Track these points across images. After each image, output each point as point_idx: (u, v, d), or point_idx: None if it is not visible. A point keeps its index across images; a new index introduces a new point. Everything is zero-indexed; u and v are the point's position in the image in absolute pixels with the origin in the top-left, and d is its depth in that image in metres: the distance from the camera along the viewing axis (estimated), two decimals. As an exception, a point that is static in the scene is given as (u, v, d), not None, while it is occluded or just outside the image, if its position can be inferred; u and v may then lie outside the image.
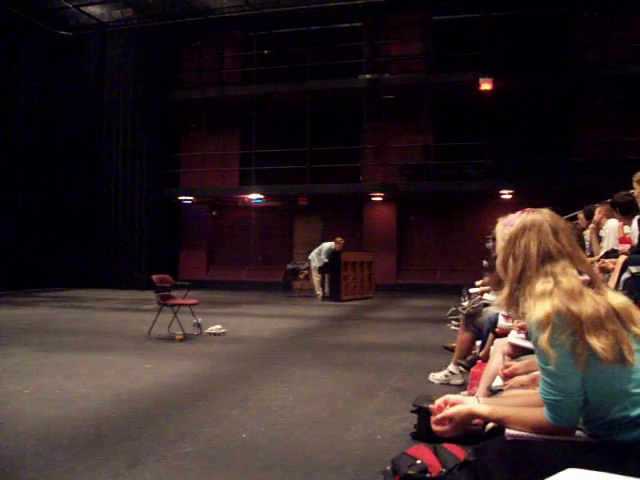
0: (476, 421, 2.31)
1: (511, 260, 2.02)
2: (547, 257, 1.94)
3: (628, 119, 16.57)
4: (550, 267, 1.92)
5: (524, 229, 2.01)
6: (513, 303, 2.01)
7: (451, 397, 2.11)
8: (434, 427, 2.05)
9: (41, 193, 18.71)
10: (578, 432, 1.88)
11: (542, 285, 1.88)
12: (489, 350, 4.51)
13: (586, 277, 1.93)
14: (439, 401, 2.09)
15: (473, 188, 17.74)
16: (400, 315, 12.22)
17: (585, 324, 1.76)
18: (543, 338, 1.76)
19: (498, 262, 2.11)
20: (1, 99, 17.64)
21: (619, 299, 1.88)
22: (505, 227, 2.10)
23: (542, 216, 2.03)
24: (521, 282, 1.96)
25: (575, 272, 1.93)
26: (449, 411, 2.01)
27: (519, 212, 2.11)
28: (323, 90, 18.70)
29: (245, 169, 20.31)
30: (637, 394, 1.75)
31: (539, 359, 1.83)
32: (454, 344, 6.02)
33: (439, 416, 2.02)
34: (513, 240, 2.03)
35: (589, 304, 1.81)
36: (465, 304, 6.09)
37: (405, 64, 19.08)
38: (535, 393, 2.12)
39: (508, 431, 1.90)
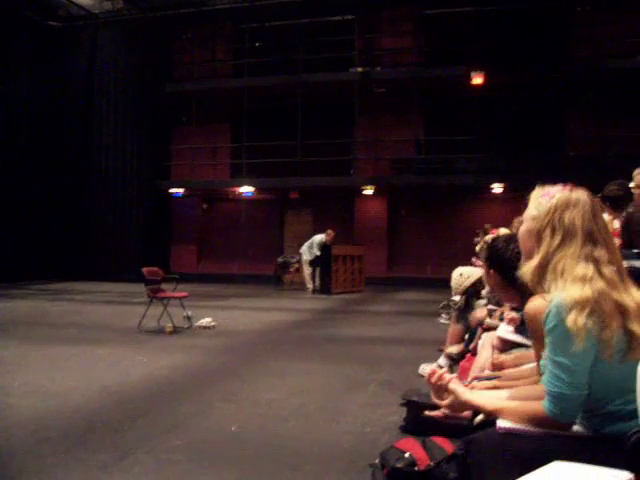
0: (465, 413, 2.34)
1: (549, 231, 1.95)
2: (590, 239, 1.90)
3: (620, 114, 16.62)
4: (591, 250, 1.88)
5: (568, 204, 1.96)
6: (538, 274, 1.95)
7: (446, 374, 2.14)
8: (433, 396, 2.10)
9: (31, 185, 18.55)
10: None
11: (583, 269, 1.84)
12: (477, 344, 4.52)
13: (613, 268, 1.90)
14: (434, 372, 2.13)
15: (464, 182, 17.77)
16: (390, 309, 12.24)
17: (630, 313, 1.77)
18: (578, 319, 1.73)
19: (526, 229, 2.07)
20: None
21: None
22: (543, 197, 2.06)
23: (585, 196, 1.98)
24: (556, 256, 1.91)
25: (607, 259, 1.90)
26: (457, 388, 2.04)
27: (560, 186, 2.05)
28: (314, 83, 18.68)
29: (236, 162, 20.27)
30: None
31: (551, 349, 1.80)
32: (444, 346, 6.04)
33: (444, 383, 2.05)
34: (553, 211, 1.97)
35: (629, 296, 1.82)
36: (456, 298, 6.11)
37: (397, 58, 19.05)
38: (525, 387, 2.14)
39: (500, 424, 1.90)
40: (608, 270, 1.85)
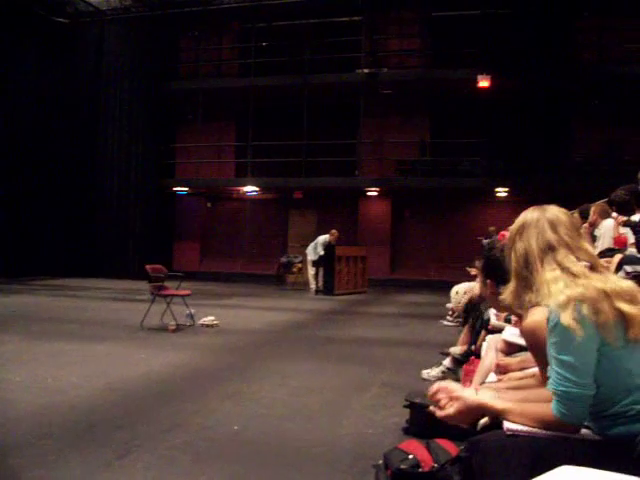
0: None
1: (513, 255, 2.13)
2: (548, 248, 2.03)
3: (626, 119, 16.59)
4: (552, 256, 2.01)
5: (523, 226, 2.13)
6: (518, 296, 2.09)
7: (452, 384, 2.13)
8: (438, 412, 2.08)
9: (36, 181, 18.59)
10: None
11: (550, 273, 1.96)
12: (481, 345, 4.51)
13: (586, 263, 1.99)
14: (437, 386, 2.13)
15: (469, 185, 17.76)
16: (393, 310, 12.22)
17: (609, 293, 1.82)
18: (567, 315, 1.78)
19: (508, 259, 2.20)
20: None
21: (625, 282, 1.94)
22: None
23: (541, 213, 2.13)
24: (528, 275, 2.05)
25: (574, 259, 1.99)
26: (462, 394, 2.03)
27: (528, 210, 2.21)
28: (320, 84, 18.67)
29: (241, 161, 20.27)
30: None
31: (555, 348, 1.82)
32: (448, 349, 6.01)
33: (450, 395, 2.04)
34: (513, 237, 2.15)
35: (602, 280, 1.88)
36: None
37: (403, 59, 19.06)
38: (533, 389, 2.13)
39: (507, 425, 1.89)
40: (575, 267, 1.95)
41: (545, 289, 1.92)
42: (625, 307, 1.80)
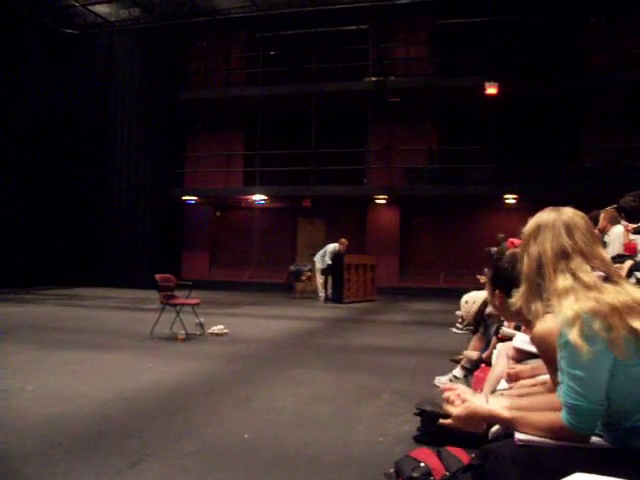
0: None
1: (526, 258, 2.05)
2: (562, 254, 1.96)
3: (634, 125, 16.53)
4: (566, 264, 1.94)
5: (538, 228, 2.04)
6: (527, 301, 2.02)
7: (462, 389, 2.12)
8: (446, 407, 2.08)
9: (45, 191, 18.72)
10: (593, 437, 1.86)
11: (562, 282, 1.90)
12: (492, 353, 4.49)
13: (600, 273, 1.93)
14: (450, 388, 2.13)
15: (477, 192, 17.73)
16: (402, 318, 12.20)
17: (621, 309, 1.77)
18: (574, 333, 1.74)
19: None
20: (7, 97, 17.60)
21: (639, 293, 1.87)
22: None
23: (557, 214, 2.05)
24: (539, 280, 1.98)
25: (588, 268, 1.93)
26: (471, 399, 2.02)
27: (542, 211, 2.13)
28: (328, 92, 18.71)
29: (249, 170, 20.33)
30: None
31: (566, 362, 1.79)
32: (460, 356, 5.99)
33: (461, 397, 2.04)
34: (527, 239, 2.07)
35: (614, 293, 1.82)
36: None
37: (411, 67, 19.10)
38: (542, 395, 2.11)
39: (518, 436, 1.87)
40: (588, 277, 1.88)
41: (555, 302, 1.87)
42: (638, 324, 1.75)
